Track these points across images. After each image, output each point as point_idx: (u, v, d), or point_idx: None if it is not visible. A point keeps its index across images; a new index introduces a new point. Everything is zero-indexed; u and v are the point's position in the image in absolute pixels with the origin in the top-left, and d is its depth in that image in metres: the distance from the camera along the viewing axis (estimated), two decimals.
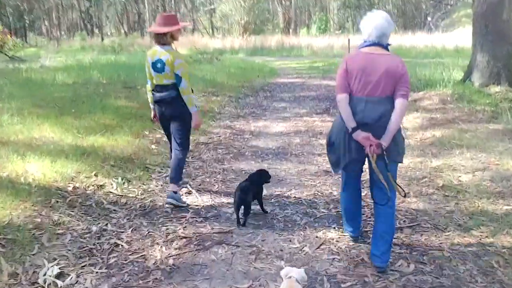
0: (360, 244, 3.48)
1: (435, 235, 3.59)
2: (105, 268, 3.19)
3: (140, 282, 3.03)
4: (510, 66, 8.73)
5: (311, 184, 4.93)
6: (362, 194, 3.62)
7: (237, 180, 5.09)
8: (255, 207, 4.09)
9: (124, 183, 4.79)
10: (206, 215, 4.11)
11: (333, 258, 3.30)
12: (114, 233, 3.74)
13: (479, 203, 4.10)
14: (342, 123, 3.08)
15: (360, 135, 2.98)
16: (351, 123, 3.00)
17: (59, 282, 2.96)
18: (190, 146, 4.68)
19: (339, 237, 3.62)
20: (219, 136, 7.23)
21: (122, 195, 4.52)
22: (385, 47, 3.07)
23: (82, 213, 4.06)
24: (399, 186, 3.08)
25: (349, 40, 23.38)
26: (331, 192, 4.67)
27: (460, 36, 26.81)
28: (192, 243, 3.55)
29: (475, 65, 9.11)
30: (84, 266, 3.21)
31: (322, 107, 9.87)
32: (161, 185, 4.88)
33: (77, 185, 4.56)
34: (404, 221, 3.88)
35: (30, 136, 5.74)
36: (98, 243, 3.57)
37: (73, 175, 4.74)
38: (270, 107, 10.02)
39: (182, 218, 4.05)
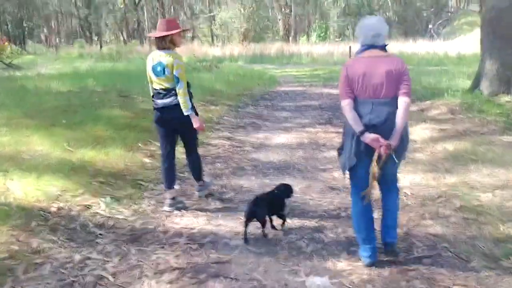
0: (375, 278, 3.09)
1: (459, 267, 3.19)
2: None
3: None
4: None
5: (317, 204, 4.54)
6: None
7: (236, 198, 4.72)
8: (256, 230, 3.71)
9: (113, 202, 4.40)
10: (202, 241, 3.71)
11: None
12: (99, 263, 3.34)
13: (503, 228, 3.69)
14: (350, 126, 3.14)
15: (369, 137, 3.02)
16: (359, 127, 3.04)
17: None
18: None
19: (351, 269, 3.22)
20: (218, 149, 6.85)
21: (110, 217, 4.14)
22: (383, 48, 3.13)
23: (65, 238, 3.68)
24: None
25: (350, 47, 23.14)
26: (338, 213, 4.28)
27: (462, 43, 26.61)
28: (185, 275, 3.15)
29: (483, 73, 8.75)
30: None
31: (325, 117, 9.50)
32: (154, 205, 4.49)
33: (61, 205, 4.19)
34: (423, 249, 3.48)
35: (17, 149, 5.36)
36: (80, 274, 3.18)
37: (58, 193, 4.36)
38: (271, 116, 9.65)
39: (175, 244, 3.66)
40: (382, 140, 2.98)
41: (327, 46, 30.39)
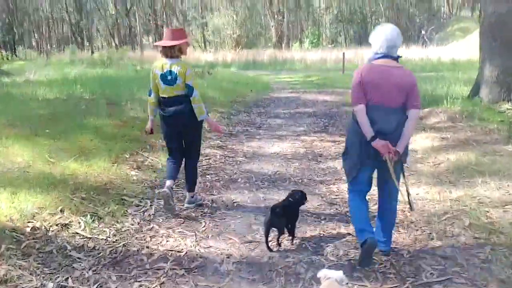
0: None
1: None
2: None
3: None
4: None
5: (315, 221, 4.21)
6: None
7: (228, 216, 4.38)
8: (248, 253, 3.37)
9: (94, 221, 4.04)
10: (190, 266, 3.36)
11: None
12: None
13: None
14: (356, 130, 3.20)
15: (380, 143, 3.10)
16: (371, 132, 3.10)
17: None
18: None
19: None
20: (209, 159, 6.51)
21: (90, 238, 3.78)
22: (396, 59, 3.18)
23: (38, 264, 3.32)
24: (410, 200, 3.27)
25: (343, 54, 23.02)
26: (338, 232, 3.95)
27: (455, 49, 26.57)
28: None
29: (483, 80, 8.50)
30: None
31: (320, 125, 9.20)
32: (138, 223, 4.14)
33: (37, 224, 3.82)
34: (432, 273, 3.16)
35: None
36: None
37: (34, 211, 3.99)
38: (264, 124, 9.33)
39: (159, 269, 3.31)
40: (391, 146, 3.10)
41: (320, 52, 30.35)
